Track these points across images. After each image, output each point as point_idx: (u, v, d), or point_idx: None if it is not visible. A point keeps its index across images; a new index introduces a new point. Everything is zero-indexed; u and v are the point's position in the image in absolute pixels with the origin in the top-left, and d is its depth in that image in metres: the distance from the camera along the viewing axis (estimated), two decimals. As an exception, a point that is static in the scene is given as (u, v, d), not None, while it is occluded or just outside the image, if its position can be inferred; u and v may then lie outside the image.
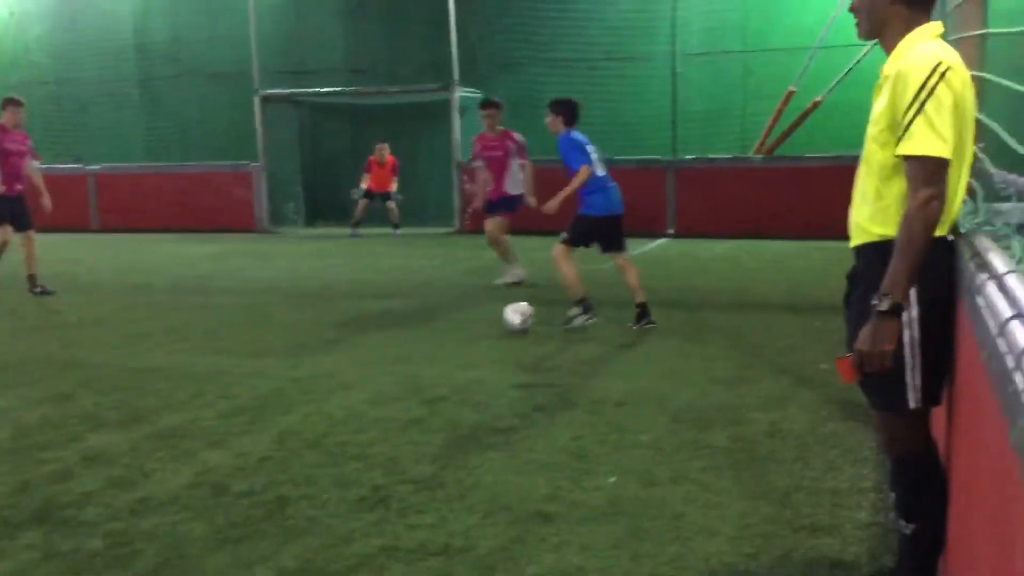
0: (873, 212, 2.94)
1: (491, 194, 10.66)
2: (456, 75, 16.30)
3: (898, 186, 2.85)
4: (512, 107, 17.15)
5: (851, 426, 5.12)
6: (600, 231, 8.16)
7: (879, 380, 2.88)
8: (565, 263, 8.10)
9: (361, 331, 8.09)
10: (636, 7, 16.41)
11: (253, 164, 17.48)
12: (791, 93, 13.30)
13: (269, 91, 17.34)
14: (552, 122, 8.29)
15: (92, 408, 5.78)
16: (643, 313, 8.05)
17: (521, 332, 7.73)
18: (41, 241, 10.87)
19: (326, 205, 18.25)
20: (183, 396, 6.02)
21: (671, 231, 15.36)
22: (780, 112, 13.39)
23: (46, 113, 19.76)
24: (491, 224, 10.64)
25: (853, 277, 3.11)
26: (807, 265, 11.90)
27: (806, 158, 14.61)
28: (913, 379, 2.88)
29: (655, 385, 6.14)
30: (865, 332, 2.78)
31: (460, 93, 16.44)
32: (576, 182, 8.06)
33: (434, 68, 17.03)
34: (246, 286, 10.90)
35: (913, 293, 2.80)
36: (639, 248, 13.99)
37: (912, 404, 2.91)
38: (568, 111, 8.25)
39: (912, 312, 2.83)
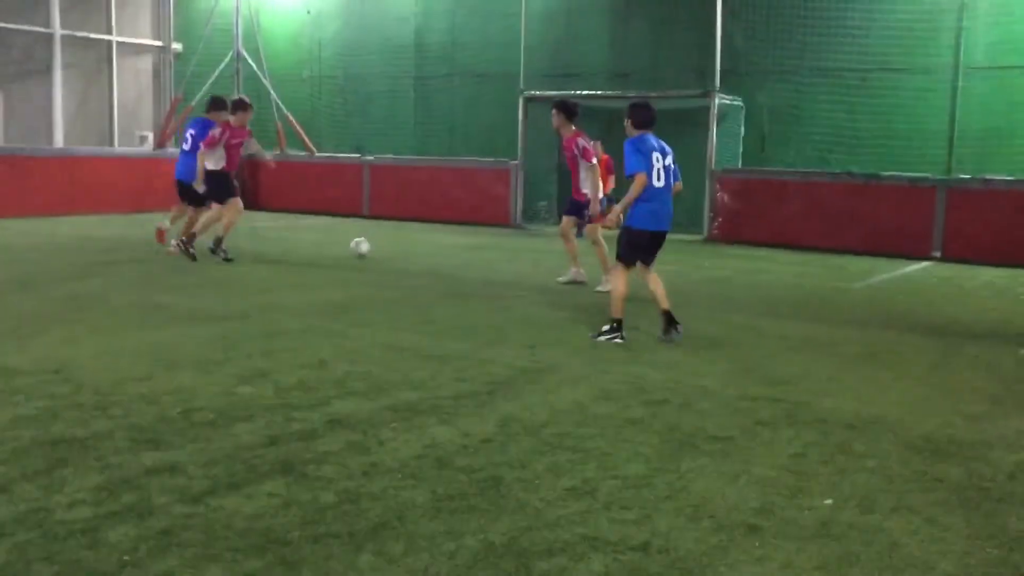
0: None
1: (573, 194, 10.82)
2: (717, 82, 16.12)
3: None
4: (773, 116, 16.81)
5: (1110, 478, 4.67)
6: (643, 245, 7.77)
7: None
8: (620, 281, 7.74)
9: (594, 329, 8.23)
10: (917, 16, 15.55)
11: (512, 162, 18.11)
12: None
13: (533, 92, 17.90)
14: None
15: (343, 376, 6.28)
16: (670, 321, 7.75)
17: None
18: (319, 222, 11.84)
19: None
20: (423, 375, 6.40)
21: (937, 253, 14.43)
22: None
23: (333, 105, 21.47)
24: (565, 221, 11.01)
25: None
26: (1090, 301, 10.84)
27: (1101, 184, 13.28)
28: None
29: (892, 411, 5.86)
30: None
31: (719, 100, 16.24)
32: (633, 191, 7.60)
33: (696, 74, 16.93)
34: (493, 278, 11.35)
35: None
36: (900, 268, 13.27)
37: None
38: (639, 115, 7.83)
39: None
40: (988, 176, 14.51)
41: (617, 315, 7.70)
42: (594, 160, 10.49)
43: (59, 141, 19.81)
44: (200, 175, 11.78)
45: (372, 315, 8.68)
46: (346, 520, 3.92)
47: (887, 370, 7.10)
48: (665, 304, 7.81)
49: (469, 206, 18.46)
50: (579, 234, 11.06)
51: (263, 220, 18.58)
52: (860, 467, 4.78)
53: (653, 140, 7.84)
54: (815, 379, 6.69)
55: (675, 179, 7.91)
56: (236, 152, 12.20)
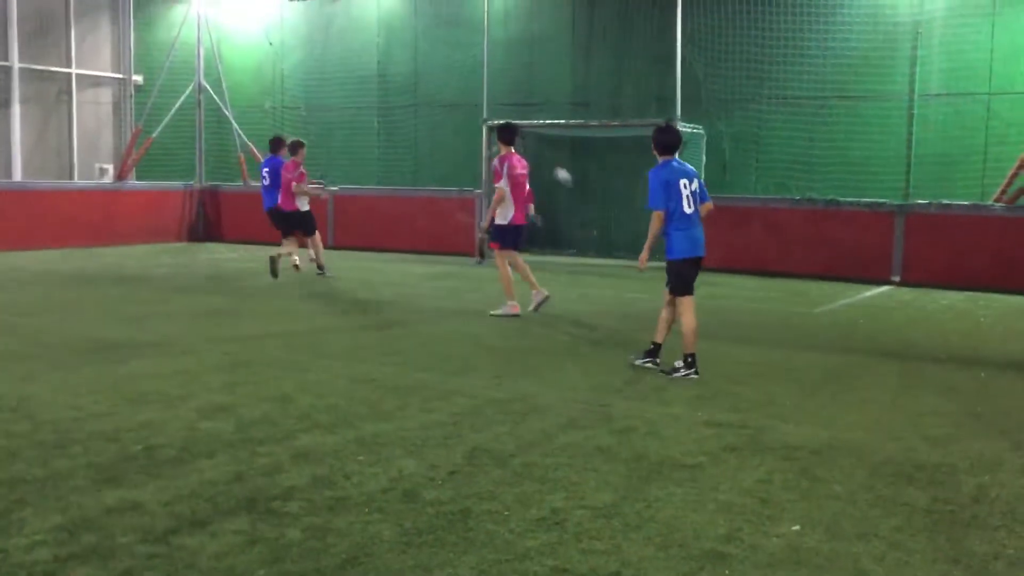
0: None
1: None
2: (679, 110, 16.29)
3: None
4: (735, 143, 17.01)
5: (1070, 498, 4.74)
6: (689, 274, 7.76)
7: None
8: (689, 314, 7.70)
9: (561, 358, 8.24)
10: (874, 45, 15.83)
11: (476, 191, 18.15)
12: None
13: (496, 121, 17.95)
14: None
15: (307, 409, 6.23)
16: (653, 352, 7.84)
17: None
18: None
19: (544, 232, 18.65)
20: (389, 406, 6.37)
21: (896, 278, 14.63)
22: (1025, 159, 12.51)
23: (296, 136, 21.38)
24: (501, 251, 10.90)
25: None
26: (1046, 323, 11.03)
27: (1054, 208, 13.55)
28: None
29: (857, 436, 5.91)
30: None
31: (681, 128, 16.39)
32: (653, 228, 7.64)
33: (657, 102, 17.10)
34: (458, 307, 11.33)
35: None
36: (859, 294, 13.43)
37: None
38: (662, 139, 7.76)
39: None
40: (945, 201, 14.76)
41: (690, 350, 7.57)
42: (500, 183, 10.46)
43: (17, 175, 19.56)
44: (303, 197, 13.68)
45: (336, 346, 8.62)
46: (313, 557, 3.87)
47: (850, 394, 7.17)
48: (660, 338, 7.83)
49: (433, 236, 18.45)
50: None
51: (223, 252, 18.44)
52: (826, 492, 4.81)
53: (677, 165, 7.76)
54: (779, 404, 6.73)
55: (703, 200, 7.84)
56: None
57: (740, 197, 16.35)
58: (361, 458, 5.20)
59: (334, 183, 20.09)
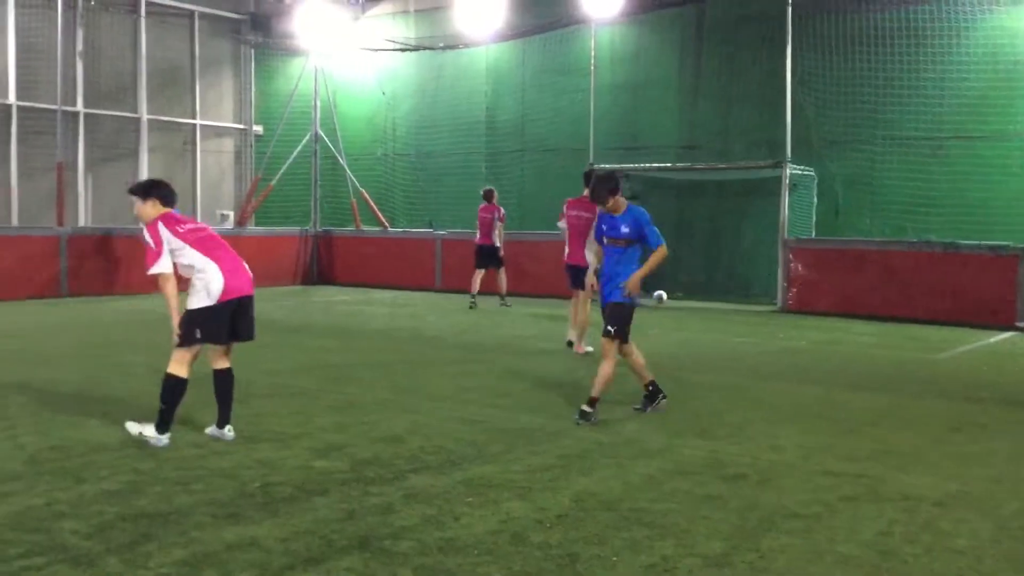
0: None
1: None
2: (788, 152, 16.08)
3: None
4: (847, 185, 16.66)
5: None
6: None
7: None
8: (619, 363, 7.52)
9: (670, 400, 8.16)
10: (992, 84, 15.37)
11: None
12: None
13: (602, 165, 18.04)
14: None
15: (417, 451, 6.31)
16: (653, 394, 7.69)
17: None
18: (390, 296, 11.98)
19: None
20: (496, 448, 6.41)
21: (1021, 324, 14.01)
22: None
23: (406, 182, 21.92)
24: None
25: None
26: None
27: None
28: None
29: (982, 488, 5.67)
30: None
31: (791, 170, 16.17)
32: (656, 260, 7.42)
33: (767, 144, 16.90)
34: (563, 349, 11.31)
35: None
36: (981, 340, 12.91)
37: None
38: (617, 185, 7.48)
39: None
40: (1074, 243, 14.13)
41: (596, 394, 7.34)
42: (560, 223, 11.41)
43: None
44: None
45: (444, 388, 8.72)
46: (423, 597, 3.91)
47: (974, 444, 6.88)
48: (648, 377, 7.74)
49: (537, 278, 18.53)
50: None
51: (336, 294, 18.92)
52: (950, 547, 4.62)
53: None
54: (898, 454, 6.51)
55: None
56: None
57: (854, 240, 15.98)
58: (470, 500, 5.24)
59: (442, 227, 20.45)
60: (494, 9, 19.59)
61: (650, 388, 7.75)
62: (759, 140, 17.25)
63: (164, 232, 6.36)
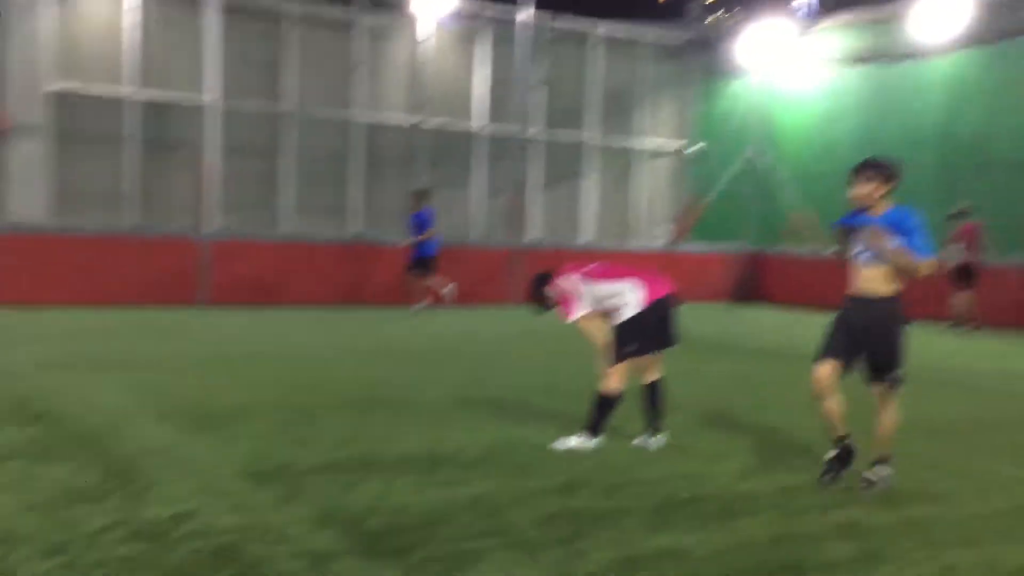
0: None
1: None
2: None
3: None
4: None
5: None
6: None
7: None
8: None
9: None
10: None
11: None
12: None
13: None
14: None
15: (850, 481, 5.99)
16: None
17: None
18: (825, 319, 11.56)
19: None
20: (941, 488, 5.92)
21: None
22: None
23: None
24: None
25: None
26: None
27: None
28: None
29: None
30: None
31: None
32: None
33: None
34: None
35: None
36: None
37: None
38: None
39: None
40: None
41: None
42: None
43: (587, 237, 21.76)
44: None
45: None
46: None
47: None
48: None
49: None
50: None
51: (767, 315, 18.63)
52: None
53: None
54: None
55: None
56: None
57: None
58: (908, 542, 4.88)
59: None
60: (955, 16, 18.12)
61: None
62: None
63: (576, 283, 6.81)
